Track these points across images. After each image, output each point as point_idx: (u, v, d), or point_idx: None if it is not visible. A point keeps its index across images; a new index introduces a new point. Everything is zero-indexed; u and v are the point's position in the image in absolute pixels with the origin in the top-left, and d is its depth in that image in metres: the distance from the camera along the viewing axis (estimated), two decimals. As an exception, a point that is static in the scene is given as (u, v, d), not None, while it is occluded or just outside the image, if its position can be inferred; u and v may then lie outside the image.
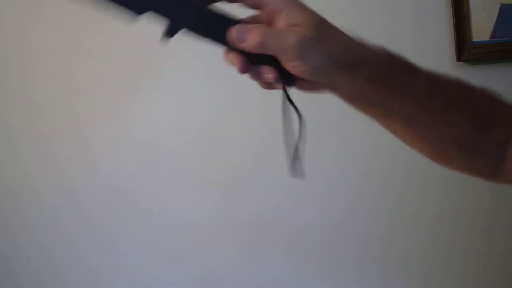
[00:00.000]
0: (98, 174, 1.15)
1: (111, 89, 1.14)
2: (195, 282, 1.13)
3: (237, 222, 1.13)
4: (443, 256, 1.11)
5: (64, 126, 1.15)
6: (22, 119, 1.16)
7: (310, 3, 0.44)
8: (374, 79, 0.45)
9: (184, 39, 0.46)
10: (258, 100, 1.04)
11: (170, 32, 0.44)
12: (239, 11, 0.46)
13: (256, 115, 1.12)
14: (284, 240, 1.13)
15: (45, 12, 1.16)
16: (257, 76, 0.46)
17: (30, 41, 1.15)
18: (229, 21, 0.44)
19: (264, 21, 0.44)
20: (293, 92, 0.47)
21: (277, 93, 0.47)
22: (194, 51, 0.94)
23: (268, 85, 0.47)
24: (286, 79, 0.45)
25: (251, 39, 0.43)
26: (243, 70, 0.45)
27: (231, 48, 0.44)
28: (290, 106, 0.47)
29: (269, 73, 0.44)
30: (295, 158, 0.48)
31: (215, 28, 0.44)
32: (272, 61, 0.43)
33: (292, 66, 0.43)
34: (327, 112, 1.09)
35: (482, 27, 1.08)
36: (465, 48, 1.09)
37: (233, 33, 0.43)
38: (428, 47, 1.09)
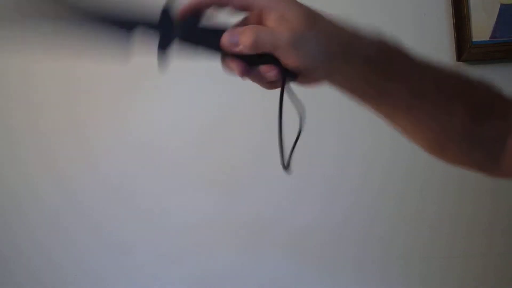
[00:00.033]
0: (98, 174, 1.14)
1: (111, 89, 1.14)
2: (195, 282, 1.13)
3: (237, 222, 1.13)
4: (443, 256, 1.11)
5: (64, 126, 1.15)
6: (22, 119, 1.16)
7: (310, 3, 0.44)
8: (371, 62, 0.44)
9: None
10: (258, 100, 1.04)
11: (163, 45, 0.44)
12: (229, 18, 0.45)
13: (256, 115, 1.12)
14: (284, 240, 1.13)
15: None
16: (258, 78, 0.45)
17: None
18: (220, 29, 0.44)
19: (254, 22, 0.44)
20: (292, 91, 0.47)
21: (277, 93, 0.47)
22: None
23: (271, 85, 0.47)
24: (287, 73, 0.44)
25: (245, 40, 0.42)
26: (244, 74, 0.44)
27: (227, 55, 0.44)
28: (287, 101, 0.46)
29: (269, 71, 0.44)
30: (292, 151, 0.48)
31: (207, 38, 0.44)
32: (270, 59, 0.43)
33: (288, 59, 0.43)
34: (327, 112, 1.09)
35: (482, 27, 1.08)
36: (465, 48, 1.09)
37: (226, 38, 0.43)
38: (428, 47, 1.08)
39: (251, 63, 0.44)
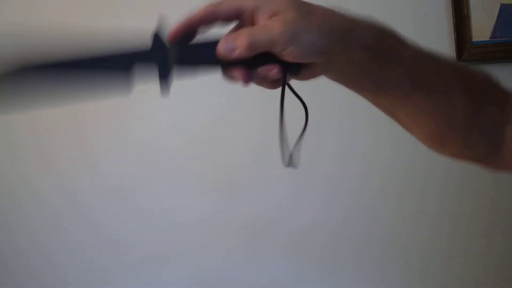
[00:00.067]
0: (98, 174, 1.15)
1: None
2: (195, 282, 1.13)
3: (237, 222, 1.13)
4: (443, 256, 1.11)
5: (64, 126, 1.15)
6: (22, 119, 1.16)
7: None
8: (370, 50, 0.44)
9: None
10: (258, 100, 1.04)
11: (163, 76, 0.44)
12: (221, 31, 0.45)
13: (256, 115, 1.12)
14: (284, 240, 1.13)
15: (45, 12, 1.16)
16: (261, 79, 0.45)
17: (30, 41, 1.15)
18: (213, 41, 0.43)
19: (246, 26, 0.44)
20: (290, 92, 0.47)
21: (277, 93, 0.47)
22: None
23: (274, 84, 0.46)
24: (289, 69, 0.44)
25: (240, 44, 0.42)
26: (247, 80, 0.44)
27: (226, 66, 0.44)
28: (287, 100, 0.46)
29: (271, 69, 0.43)
30: (296, 148, 0.48)
31: (204, 53, 0.44)
32: (269, 58, 0.43)
33: (287, 53, 0.42)
34: (327, 112, 1.09)
35: (482, 27, 1.08)
36: (465, 48, 1.09)
37: (221, 47, 0.43)
38: (428, 47, 1.09)
39: (252, 67, 0.44)
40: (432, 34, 1.11)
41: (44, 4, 1.16)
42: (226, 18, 0.44)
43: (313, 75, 0.45)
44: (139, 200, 1.14)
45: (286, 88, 0.45)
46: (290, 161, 0.47)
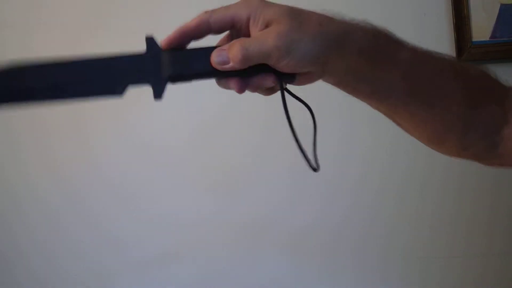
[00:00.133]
0: (98, 174, 1.15)
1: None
2: (195, 282, 1.13)
3: (237, 222, 1.13)
4: (443, 256, 1.11)
5: (64, 126, 1.15)
6: (22, 119, 1.16)
7: (309, 5, 0.44)
8: (363, 50, 0.43)
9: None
10: (258, 100, 1.03)
11: (158, 94, 0.44)
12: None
13: (256, 115, 1.12)
14: (284, 240, 1.13)
15: (45, 12, 1.16)
16: (256, 88, 0.45)
17: (30, 41, 1.15)
18: (205, 52, 0.43)
19: (240, 34, 0.43)
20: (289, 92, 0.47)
21: (278, 93, 0.47)
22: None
23: (270, 91, 0.46)
24: (285, 77, 0.43)
25: (234, 56, 0.41)
26: (241, 89, 0.44)
27: (220, 75, 0.44)
28: (290, 101, 0.46)
29: (266, 79, 0.43)
30: (315, 151, 0.47)
31: (197, 60, 0.43)
32: (263, 67, 0.42)
33: (282, 65, 0.41)
34: (327, 113, 1.09)
35: (482, 27, 1.08)
36: (465, 48, 1.09)
37: (215, 58, 0.42)
38: (428, 47, 1.09)
39: (246, 76, 0.43)
40: (432, 34, 1.11)
41: (44, 4, 1.16)
42: (220, 27, 0.44)
43: (310, 80, 0.45)
44: (139, 200, 1.14)
45: (287, 94, 0.45)
46: (316, 167, 0.46)
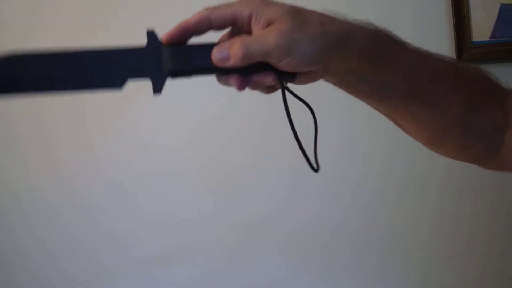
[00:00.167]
0: (98, 174, 1.15)
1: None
2: (195, 281, 1.13)
3: (237, 222, 1.13)
4: (443, 256, 1.11)
5: (64, 126, 1.15)
6: (22, 119, 1.16)
7: (309, 5, 0.44)
8: (364, 50, 0.43)
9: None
10: (258, 100, 1.03)
11: (157, 88, 0.44)
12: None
13: (256, 115, 1.12)
14: (284, 240, 1.13)
15: (45, 12, 1.16)
16: (256, 85, 0.45)
17: (30, 40, 1.15)
18: (206, 48, 0.43)
19: (241, 31, 0.43)
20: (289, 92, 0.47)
21: (278, 93, 0.47)
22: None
23: (270, 89, 0.46)
24: (285, 76, 0.43)
25: (234, 54, 0.41)
26: (241, 87, 0.44)
27: (220, 71, 0.43)
28: (290, 101, 0.46)
29: (266, 77, 0.43)
30: (315, 151, 0.47)
31: (198, 56, 0.43)
32: (264, 65, 0.42)
33: (283, 64, 0.41)
34: (327, 112, 1.09)
35: (482, 27, 1.08)
36: (465, 48, 1.09)
37: (215, 55, 0.42)
38: (428, 47, 1.09)
39: (247, 73, 0.43)
40: (432, 34, 1.11)
41: (44, 4, 1.16)
42: (221, 24, 0.43)
43: (310, 80, 0.45)
44: (139, 200, 1.14)
45: (287, 93, 0.45)
46: (316, 168, 0.46)
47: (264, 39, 0.41)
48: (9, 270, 1.15)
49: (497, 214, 1.11)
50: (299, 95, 0.49)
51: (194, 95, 1.14)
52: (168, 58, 0.43)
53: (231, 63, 0.42)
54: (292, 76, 0.44)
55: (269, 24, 0.41)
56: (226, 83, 0.45)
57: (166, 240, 1.14)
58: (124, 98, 1.13)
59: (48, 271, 1.14)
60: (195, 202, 1.14)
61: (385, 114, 0.51)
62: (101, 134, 1.15)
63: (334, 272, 1.13)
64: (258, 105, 1.08)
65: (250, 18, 0.42)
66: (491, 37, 1.08)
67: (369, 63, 0.44)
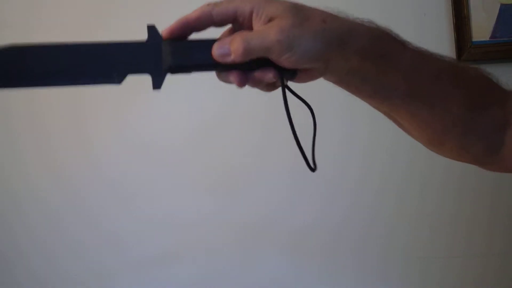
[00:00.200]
0: (99, 173, 1.14)
1: (111, 88, 1.14)
2: (195, 281, 1.13)
3: (237, 222, 1.13)
4: (443, 256, 1.11)
5: (64, 126, 1.15)
6: (22, 119, 1.16)
7: (309, 3, 0.44)
8: (366, 49, 0.43)
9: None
10: (258, 100, 1.04)
11: (157, 84, 0.44)
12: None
13: (256, 115, 1.12)
14: (284, 240, 1.13)
15: (45, 12, 1.16)
16: (256, 82, 0.44)
17: (30, 40, 1.15)
18: (207, 44, 0.43)
19: (242, 27, 0.43)
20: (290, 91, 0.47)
21: (278, 93, 0.47)
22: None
23: (271, 87, 0.46)
24: (286, 73, 0.43)
25: (235, 49, 0.41)
26: (242, 83, 0.44)
27: (221, 67, 0.43)
28: (290, 101, 0.46)
29: (267, 74, 0.43)
30: (313, 151, 0.47)
31: (198, 51, 0.43)
32: (264, 62, 0.42)
33: (284, 60, 0.41)
34: (327, 112, 1.09)
35: (482, 27, 1.08)
36: (465, 48, 1.09)
37: (216, 51, 0.42)
38: (428, 47, 1.09)
39: (247, 70, 0.43)
40: (432, 34, 1.11)
41: (44, 4, 1.16)
42: (222, 20, 0.43)
43: (311, 78, 0.45)
44: (139, 200, 1.14)
45: (287, 91, 0.45)
46: (313, 167, 0.46)
47: (265, 34, 0.41)
48: (9, 270, 1.15)
49: (497, 214, 1.11)
50: (300, 95, 0.49)
51: (194, 95, 1.14)
52: (168, 53, 0.43)
53: (231, 58, 0.42)
54: (293, 73, 0.44)
55: (270, 20, 0.41)
56: (226, 80, 0.44)
57: (166, 240, 1.14)
58: (124, 98, 1.13)
59: (48, 271, 1.14)
60: (195, 202, 1.14)
61: (385, 114, 0.51)
62: (101, 134, 1.15)
63: (334, 272, 1.13)
64: (258, 105, 1.08)
65: (251, 14, 0.42)
66: (491, 37, 1.08)
67: (370, 61, 0.44)
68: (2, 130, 1.16)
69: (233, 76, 0.43)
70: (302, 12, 0.42)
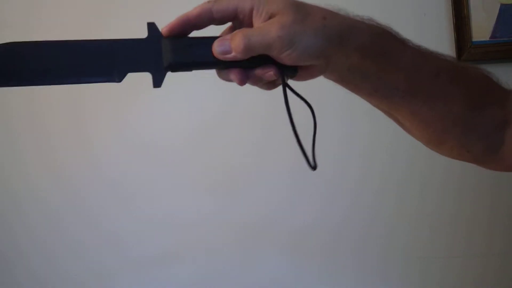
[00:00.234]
0: (99, 173, 1.14)
1: (111, 88, 1.14)
2: (195, 282, 1.13)
3: (237, 222, 1.13)
4: (443, 256, 1.11)
5: (65, 126, 1.15)
6: (22, 119, 1.16)
7: (309, 2, 0.44)
8: (366, 47, 0.43)
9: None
10: (258, 99, 1.04)
11: (157, 82, 0.43)
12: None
13: (256, 115, 1.12)
14: (284, 240, 1.13)
15: (45, 12, 1.16)
16: (257, 80, 0.44)
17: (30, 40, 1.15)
18: (207, 41, 0.43)
19: (242, 25, 0.43)
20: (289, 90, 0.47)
21: (278, 93, 0.46)
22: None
23: (271, 85, 0.46)
24: (286, 70, 0.43)
25: (236, 46, 0.41)
26: (243, 81, 0.43)
27: (221, 66, 0.43)
28: (290, 100, 0.45)
29: (268, 71, 0.43)
30: (313, 149, 0.47)
31: (199, 49, 0.43)
32: (265, 59, 0.42)
33: (284, 57, 0.41)
34: (327, 112, 1.09)
35: (482, 27, 1.08)
36: (465, 48, 1.09)
37: (216, 48, 0.42)
38: (428, 47, 1.09)
39: (248, 67, 0.43)
40: (432, 34, 1.11)
41: (44, 4, 1.16)
42: (223, 17, 0.43)
43: (311, 76, 0.45)
44: (139, 200, 1.14)
45: (288, 90, 0.45)
46: (314, 166, 0.46)
47: (265, 31, 0.41)
48: (9, 270, 1.15)
49: (497, 214, 1.11)
50: (301, 94, 0.49)
51: (194, 95, 1.14)
52: (168, 51, 0.43)
53: (232, 55, 0.42)
54: (293, 71, 0.43)
55: (270, 17, 0.41)
56: (227, 78, 0.44)
57: (166, 240, 1.14)
58: (124, 98, 1.13)
59: (48, 271, 1.14)
60: (195, 202, 1.14)
61: (385, 112, 0.51)
62: (101, 134, 1.15)
63: (334, 272, 1.13)
64: (258, 105, 1.08)
65: (251, 11, 0.42)
66: (491, 37, 1.08)
67: (371, 59, 0.44)
68: (2, 130, 1.16)
69: (233, 74, 0.43)
70: (302, 9, 0.42)
